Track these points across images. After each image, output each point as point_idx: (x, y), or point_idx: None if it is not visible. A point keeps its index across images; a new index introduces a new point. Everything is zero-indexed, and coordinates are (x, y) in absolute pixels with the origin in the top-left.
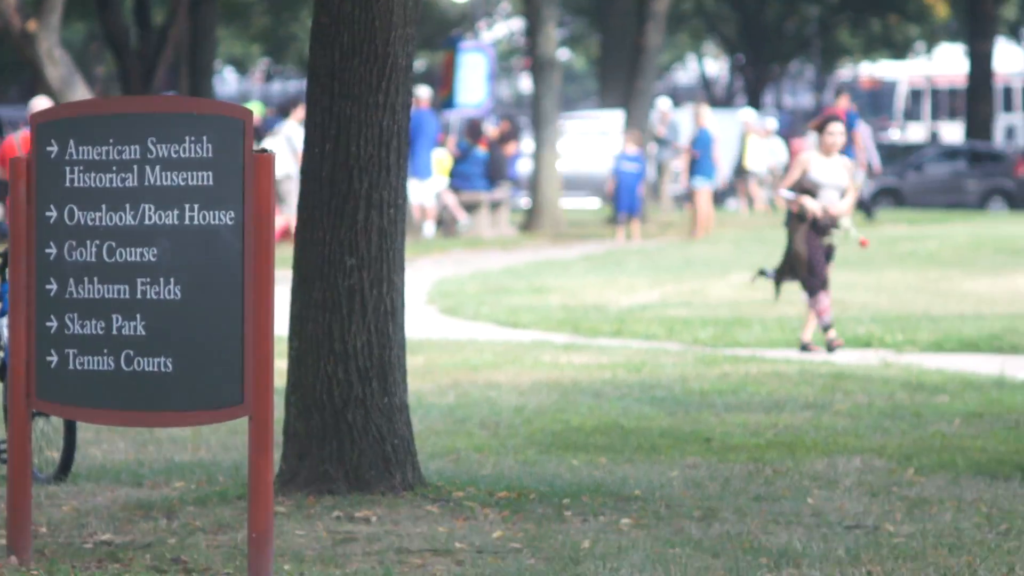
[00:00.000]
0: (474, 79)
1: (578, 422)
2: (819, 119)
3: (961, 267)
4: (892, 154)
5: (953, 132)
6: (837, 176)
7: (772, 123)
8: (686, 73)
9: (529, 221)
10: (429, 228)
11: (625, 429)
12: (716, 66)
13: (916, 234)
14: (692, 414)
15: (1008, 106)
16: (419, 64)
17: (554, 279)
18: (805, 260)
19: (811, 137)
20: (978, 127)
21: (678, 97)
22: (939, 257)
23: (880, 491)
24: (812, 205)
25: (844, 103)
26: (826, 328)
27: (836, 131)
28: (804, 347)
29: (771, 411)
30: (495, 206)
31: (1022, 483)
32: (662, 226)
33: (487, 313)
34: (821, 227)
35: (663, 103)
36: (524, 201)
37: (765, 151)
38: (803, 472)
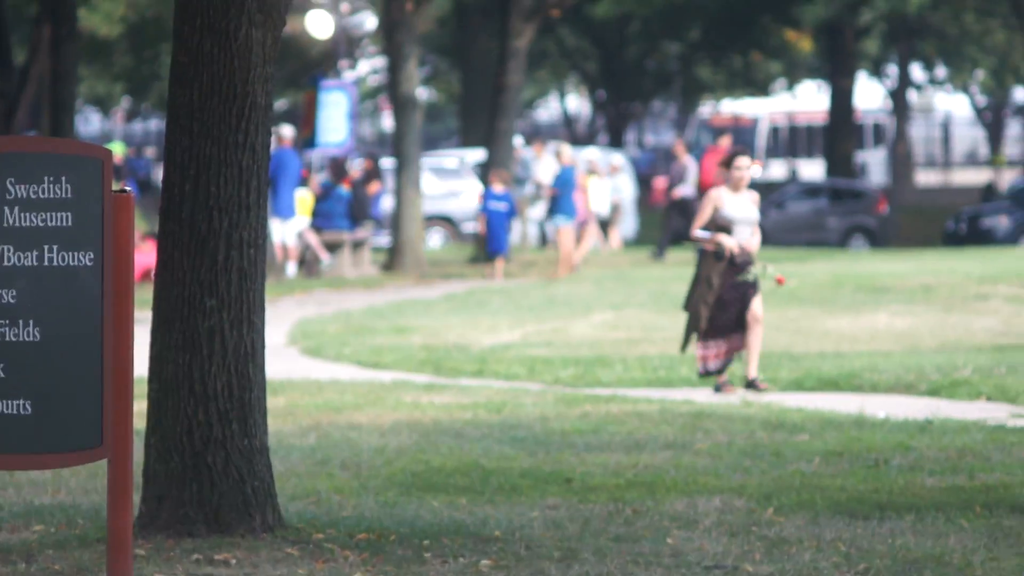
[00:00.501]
0: (336, 118)
1: (439, 463)
2: (726, 155)
3: (822, 305)
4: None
5: (813, 169)
6: (748, 211)
7: (618, 159)
8: (548, 111)
9: (391, 261)
10: (291, 268)
11: (486, 470)
12: (578, 104)
13: (772, 273)
14: (553, 454)
15: (861, 143)
16: (282, 103)
17: (416, 319)
18: (716, 298)
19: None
20: (839, 164)
21: (540, 135)
22: (800, 295)
23: (740, 531)
24: (729, 242)
25: (726, 142)
26: (709, 372)
27: (743, 165)
28: (750, 384)
29: (631, 451)
30: (357, 246)
31: (881, 522)
32: (524, 265)
33: (349, 354)
34: (739, 264)
35: (515, 141)
36: (386, 240)
37: (606, 190)
38: (663, 512)
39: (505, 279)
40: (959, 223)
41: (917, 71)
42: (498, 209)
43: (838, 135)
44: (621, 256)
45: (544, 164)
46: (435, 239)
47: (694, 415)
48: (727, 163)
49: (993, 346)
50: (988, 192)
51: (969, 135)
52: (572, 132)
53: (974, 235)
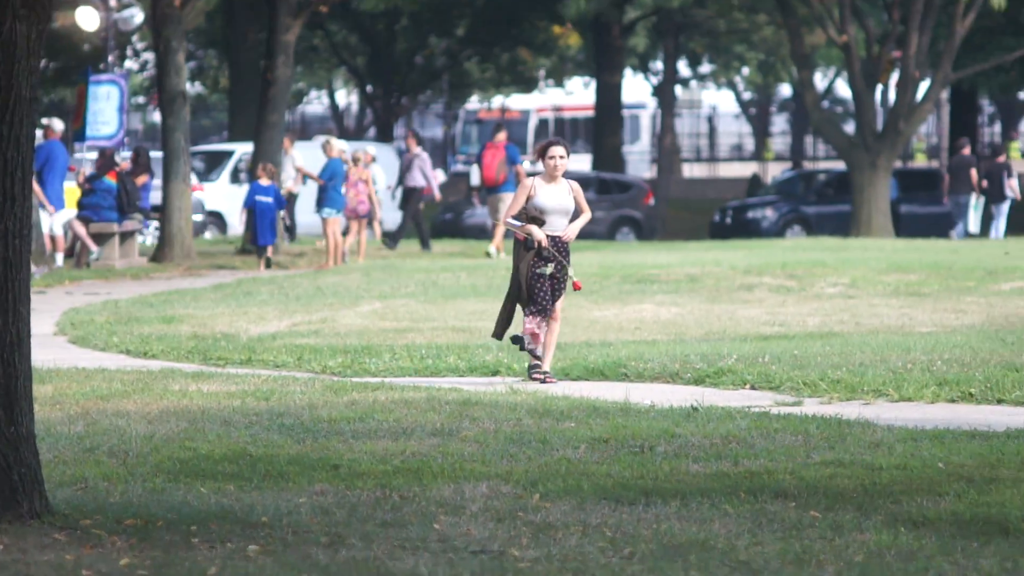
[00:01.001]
0: (106, 111)
1: (206, 450)
2: (540, 145)
3: (589, 296)
4: None
5: (582, 163)
6: (563, 200)
7: (372, 149)
8: (318, 104)
9: (160, 252)
10: (59, 259)
11: (253, 457)
12: (347, 98)
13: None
14: (320, 441)
15: (632, 137)
16: (54, 96)
17: (184, 309)
18: (526, 288)
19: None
20: (606, 157)
21: (309, 129)
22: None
23: (506, 516)
24: (537, 233)
25: (502, 136)
26: (535, 355)
27: (557, 154)
28: (537, 377)
29: (399, 438)
30: (126, 237)
31: (646, 508)
32: (293, 256)
33: (117, 343)
34: (546, 256)
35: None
36: (155, 231)
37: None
38: (430, 498)
39: (274, 270)
40: (725, 216)
41: (684, 67)
42: (264, 201)
43: (605, 129)
44: (370, 246)
45: (291, 159)
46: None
47: (461, 403)
48: (541, 153)
49: (757, 335)
50: (753, 185)
51: (735, 129)
52: (342, 126)
53: (740, 227)
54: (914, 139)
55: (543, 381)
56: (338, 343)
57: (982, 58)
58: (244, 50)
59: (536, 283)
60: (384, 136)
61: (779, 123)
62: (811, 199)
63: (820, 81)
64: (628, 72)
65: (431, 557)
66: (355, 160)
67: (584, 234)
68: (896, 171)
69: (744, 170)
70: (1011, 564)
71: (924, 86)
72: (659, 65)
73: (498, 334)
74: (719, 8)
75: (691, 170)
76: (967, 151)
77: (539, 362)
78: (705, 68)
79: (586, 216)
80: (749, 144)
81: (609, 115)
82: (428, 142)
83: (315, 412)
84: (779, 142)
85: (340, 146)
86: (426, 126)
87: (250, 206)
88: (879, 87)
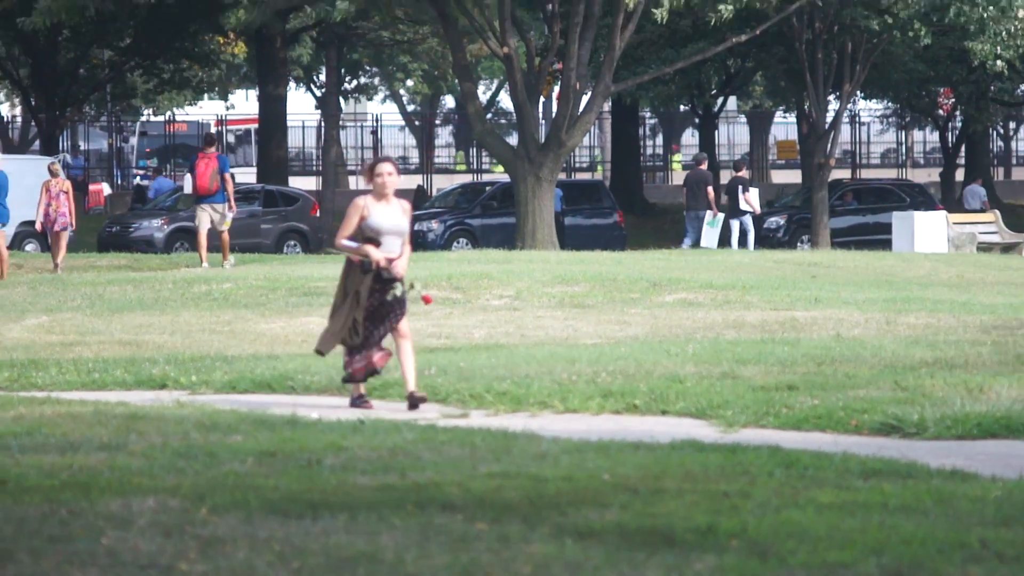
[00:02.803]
0: None
1: None
2: (368, 164)
3: (255, 308)
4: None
5: (247, 176)
6: (397, 220)
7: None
8: None
9: None
10: None
11: None
12: (10, 110)
13: (211, 275)
14: None
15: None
16: None
17: None
18: (367, 313)
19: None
20: (271, 170)
21: None
22: (233, 298)
23: (174, 531)
24: (376, 255)
25: (213, 149)
26: (353, 379)
27: (385, 171)
28: (411, 399)
29: (66, 452)
30: None
31: (315, 521)
32: None
33: None
34: (386, 279)
35: None
36: None
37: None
38: (98, 512)
39: None
40: None
41: (348, 77)
42: None
43: (271, 140)
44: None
45: None
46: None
47: (128, 416)
48: (370, 171)
49: (423, 348)
50: (419, 197)
51: (400, 142)
52: (7, 138)
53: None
54: (597, 152)
55: (417, 401)
56: (4, 357)
57: (642, 70)
58: None
59: (381, 310)
60: (49, 149)
61: (443, 135)
62: (476, 211)
63: (483, 93)
64: (292, 84)
65: (99, 572)
66: (52, 172)
67: (249, 247)
68: (561, 183)
69: (410, 182)
70: (676, 574)
71: (586, 98)
72: (323, 77)
73: (322, 350)
74: (382, 20)
75: (357, 182)
76: (704, 166)
77: (363, 393)
78: (368, 80)
79: (408, 251)
80: (414, 156)
81: (274, 127)
82: (94, 154)
83: None
84: (443, 154)
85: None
86: (92, 138)
87: None
88: (541, 99)
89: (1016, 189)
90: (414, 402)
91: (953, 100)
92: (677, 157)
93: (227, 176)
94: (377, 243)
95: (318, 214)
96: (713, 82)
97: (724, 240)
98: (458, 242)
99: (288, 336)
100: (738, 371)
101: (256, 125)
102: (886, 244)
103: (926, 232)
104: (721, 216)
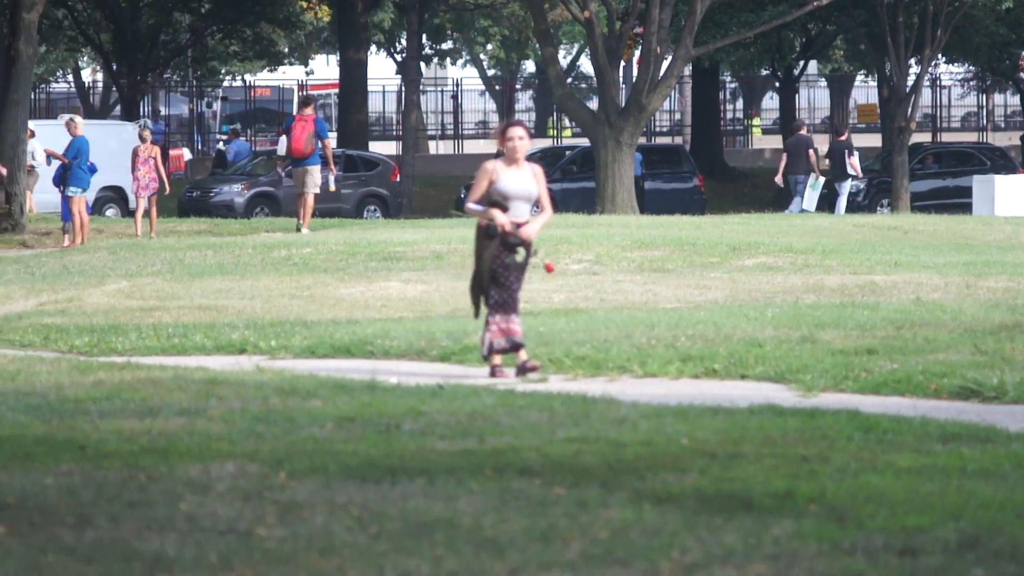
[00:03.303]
0: None
1: None
2: (499, 127)
3: (335, 273)
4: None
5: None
6: (526, 185)
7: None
8: (63, 83)
9: None
10: None
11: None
12: (92, 75)
13: (291, 240)
14: (67, 421)
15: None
16: None
17: None
18: (492, 277)
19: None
20: (353, 135)
21: (54, 108)
22: (313, 263)
23: (253, 496)
24: (501, 219)
25: (310, 111)
26: (492, 351)
27: (516, 135)
28: (521, 368)
29: (145, 417)
30: None
31: (392, 486)
32: (39, 236)
33: None
34: (511, 243)
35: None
36: None
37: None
38: (177, 478)
39: (19, 248)
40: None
41: (429, 43)
42: None
43: (351, 107)
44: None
45: (32, 145)
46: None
47: (208, 382)
48: (501, 135)
49: None
50: None
51: (480, 107)
52: (87, 104)
53: None
54: (677, 116)
55: (527, 370)
56: (84, 322)
57: (723, 34)
58: None
59: (502, 274)
60: (130, 115)
61: (523, 100)
62: (555, 176)
63: (563, 58)
64: (373, 49)
65: (178, 537)
66: (142, 138)
67: (330, 211)
68: (641, 147)
69: (489, 147)
70: (754, 539)
71: (666, 62)
72: (404, 42)
73: (477, 313)
74: None
75: (437, 147)
76: (804, 131)
77: (522, 351)
78: (449, 45)
79: (547, 215)
80: (494, 121)
81: (355, 92)
82: (175, 120)
83: (61, 392)
84: (524, 119)
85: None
86: (173, 104)
87: None
88: (622, 63)
89: None
90: (523, 370)
91: None
92: (756, 121)
93: (326, 141)
94: (504, 208)
95: (398, 179)
96: (794, 46)
97: (828, 204)
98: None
99: (367, 301)
100: (817, 335)
101: (337, 90)
102: (966, 208)
103: (1007, 196)
104: (822, 179)
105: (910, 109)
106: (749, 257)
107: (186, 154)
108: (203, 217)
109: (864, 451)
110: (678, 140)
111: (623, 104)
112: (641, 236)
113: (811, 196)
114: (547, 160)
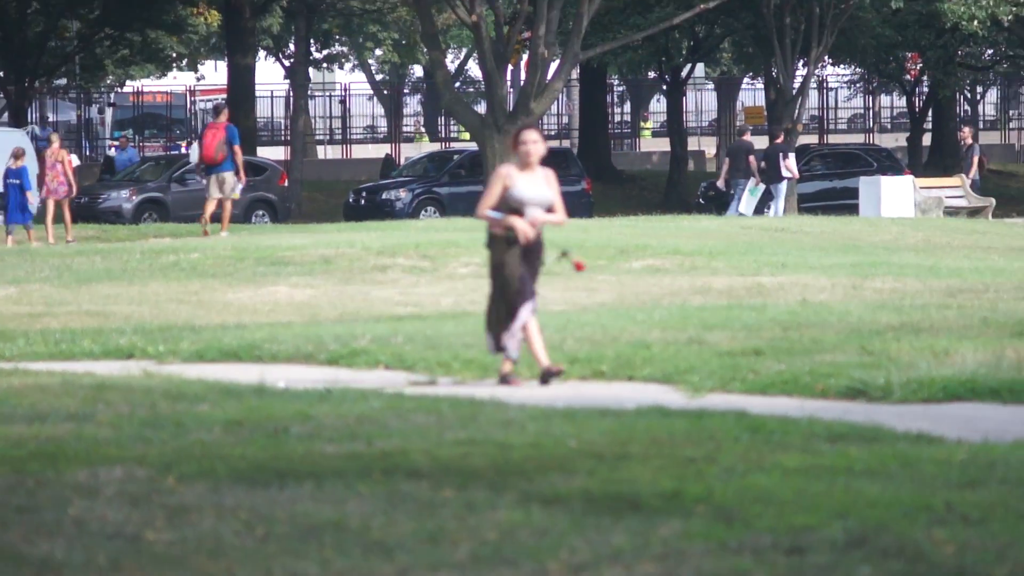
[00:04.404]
0: None
1: None
2: (514, 132)
3: (223, 278)
4: (159, 168)
5: None
6: (540, 190)
7: None
8: None
9: None
10: None
11: None
12: None
13: (179, 246)
14: None
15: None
16: None
17: None
18: (516, 284)
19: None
20: (241, 140)
21: None
22: (201, 268)
23: (141, 500)
24: (521, 226)
25: (223, 118)
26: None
27: (530, 139)
28: (546, 374)
29: (33, 423)
30: None
31: (281, 489)
32: None
33: None
34: (533, 250)
35: None
36: None
37: None
38: (65, 482)
39: None
40: (359, 197)
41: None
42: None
43: (239, 110)
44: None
45: None
46: None
47: (96, 387)
48: (514, 139)
49: (391, 316)
50: (387, 167)
51: (368, 111)
52: None
53: (374, 209)
54: (565, 119)
55: (551, 375)
56: None
57: (610, 37)
58: None
59: (525, 280)
60: (18, 121)
61: (412, 104)
62: (443, 180)
63: (451, 62)
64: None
65: (66, 541)
66: (50, 141)
67: (216, 216)
68: None
69: (378, 151)
70: (642, 539)
71: (554, 66)
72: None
73: (498, 345)
74: None
75: (325, 152)
76: (747, 137)
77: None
78: (337, 49)
79: (559, 216)
80: (383, 125)
81: (243, 97)
82: (63, 126)
83: None
84: (411, 123)
85: None
86: (60, 110)
87: None
88: (510, 67)
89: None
90: (547, 376)
91: (920, 65)
92: (648, 125)
93: (236, 148)
94: (520, 214)
95: (286, 184)
96: (681, 48)
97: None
98: (426, 210)
99: (255, 306)
100: (704, 337)
101: (225, 95)
102: (853, 209)
103: (893, 197)
104: (762, 186)
105: (797, 111)
106: (636, 260)
107: (74, 160)
108: (91, 223)
109: (751, 451)
110: (566, 143)
111: (511, 108)
112: None
113: (749, 200)
114: (435, 164)
